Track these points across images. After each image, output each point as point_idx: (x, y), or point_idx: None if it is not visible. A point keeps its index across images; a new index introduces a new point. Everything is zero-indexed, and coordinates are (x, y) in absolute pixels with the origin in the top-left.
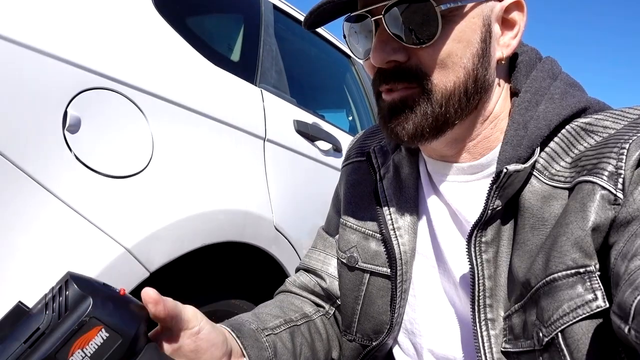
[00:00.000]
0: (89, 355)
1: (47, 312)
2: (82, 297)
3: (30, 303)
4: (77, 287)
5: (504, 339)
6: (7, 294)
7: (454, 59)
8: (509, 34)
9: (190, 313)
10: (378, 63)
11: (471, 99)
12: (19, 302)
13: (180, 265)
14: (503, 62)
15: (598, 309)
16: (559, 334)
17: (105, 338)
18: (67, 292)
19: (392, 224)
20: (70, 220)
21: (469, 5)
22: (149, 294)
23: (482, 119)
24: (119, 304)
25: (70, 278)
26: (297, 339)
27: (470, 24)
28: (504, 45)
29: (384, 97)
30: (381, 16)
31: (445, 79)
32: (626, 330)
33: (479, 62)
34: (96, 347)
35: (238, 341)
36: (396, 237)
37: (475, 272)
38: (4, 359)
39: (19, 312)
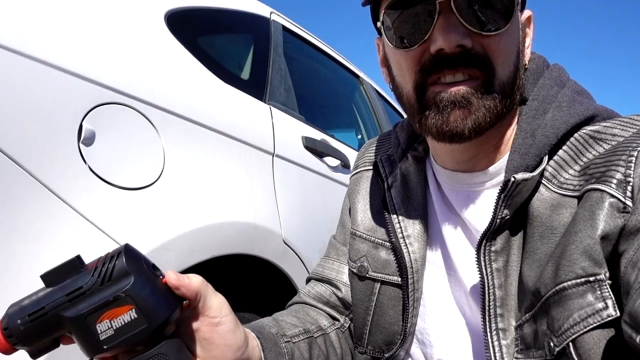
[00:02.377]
0: (114, 328)
1: (94, 275)
2: (126, 273)
3: None
4: (125, 261)
5: (516, 349)
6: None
7: (510, 53)
8: (526, 43)
9: (216, 302)
10: (447, 46)
11: (515, 96)
12: (78, 255)
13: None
14: (526, 67)
15: (609, 318)
16: (570, 343)
17: (132, 318)
18: (115, 263)
19: (402, 232)
20: (83, 230)
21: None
22: (170, 279)
23: (508, 121)
24: (157, 291)
25: (124, 251)
26: (314, 350)
27: (517, 23)
28: (525, 53)
29: (438, 89)
30: None
31: (504, 72)
32: (638, 340)
33: (520, 61)
34: (122, 323)
35: (258, 342)
36: (406, 245)
37: (485, 281)
38: (44, 304)
39: (74, 265)
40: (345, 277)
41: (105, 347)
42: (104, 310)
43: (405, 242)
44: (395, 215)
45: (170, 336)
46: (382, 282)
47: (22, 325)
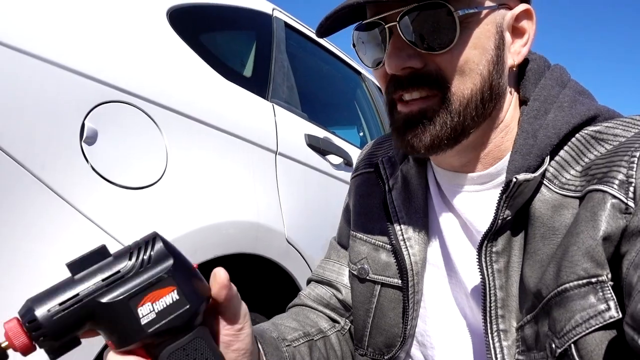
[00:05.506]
0: (156, 311)
1: (132, 260)
2: (165, 256)
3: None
4: (163, 245)
5: (517, 350)
6: (19, 301)
7: (471, 65)
8: (519, 42)
9: (243, 310)
10: (393, 70)
11: (486, 106)
12: (104, 244)
13: None
14: (514, 69)
15: (611, 320)
16: (572, 345)
17: (174, 300)
18: (154, 246)
19: (402, 235)
20: (85, 229)
21: (484, 11)
22: (221, 275)
23: (494, 127)
24: (192, 275)
25: (157, 236)
26: (314, 353)
27: (485, 31)
28: (514, 52)
29: (399, 108)
30: (396, 23)
31: (463, 85)
32: None
33: (493, 69)
34: (164, 305)
35: (259, 346)
36: (406, 247)
37: (487, 282)
38: (78, 291)
39: (102, 253)
40: (345, 279)
41: (149, 330)
42: (145, 293)
43: (406, 245)
44: (396, 217)
45: (200, 323)
46: (383, 285)
47: (55, 314)
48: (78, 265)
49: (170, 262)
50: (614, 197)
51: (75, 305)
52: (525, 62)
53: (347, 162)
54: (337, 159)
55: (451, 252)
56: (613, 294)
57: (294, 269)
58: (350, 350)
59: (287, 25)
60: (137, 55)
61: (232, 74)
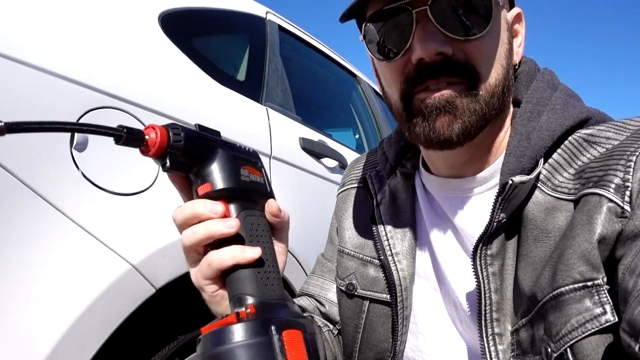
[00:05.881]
0: (249, 177)
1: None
2: (256, 155)
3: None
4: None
5: (512, 354)
6: (12, 309)
7: (496, 54)
8: (515, 42)
9: (286, 237)
10: (427, 54)
11: (504, 99)
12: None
13: (186, 282)
14: (516, 67)
15: (607, 324)
16: (568, 349)
17: (260, 181)
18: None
19: (390, 250)
20: (76, 237)
21: (500, 4)
22: (272, 205)
23: (498, 125)
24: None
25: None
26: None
27: (503, 23)
28: (515, 52)
29: (424, 96)
30: (426, 7)
31: (490, 75)
32: (637, 348)
33: (509, 61)
34: (254, 179)
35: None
36: (394, 262)
37: (482, 286)
38: (216, 138)
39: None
40: (329, 294)
41: (242, 181)
42: (246, 163)
43: (394, 260)
44: (384, 232)
45: None
46: (372, 300)
47: (197, 134)
48: (205, 129)
49: (261, 161)
50: (611, 200)
51: (205, 138)
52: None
53: (342, 165)
54: (332, 162)
55: (441, 262)
56: (609, 297)
57: (289, 273)
58: (341, 353)
59: (280, 28)
60: (129, 60)
61: (225, 78)
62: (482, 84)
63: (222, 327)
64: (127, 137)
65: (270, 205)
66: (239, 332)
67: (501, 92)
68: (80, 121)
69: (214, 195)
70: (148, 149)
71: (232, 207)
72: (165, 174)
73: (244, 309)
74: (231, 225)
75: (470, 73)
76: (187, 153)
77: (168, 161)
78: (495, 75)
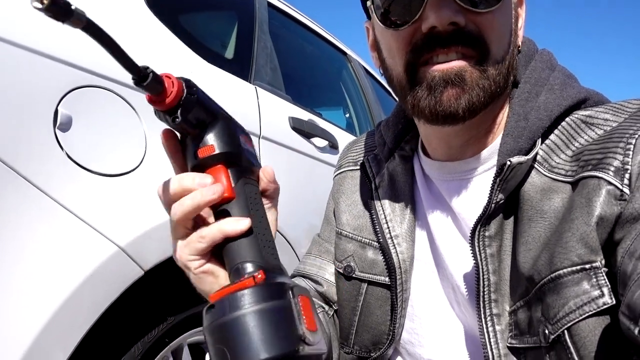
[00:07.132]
0: (247, 146)
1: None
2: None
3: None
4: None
5: (510, 334)
6: (3, 293)
7: (504, 30)
8: (519, 24)
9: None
10: (440, 22)
11: (509, 77)
12: None
13: (175, 264)
14: (519, 48)
15: (605, 306)
16: (566, 331)
17: (252, 151)
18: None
19: (390, 233)
20: (62, 219)
21: None
22: (269, 171)
23: (499, 104)
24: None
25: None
26: None
27: (510, 2)
28: (517, 34)
29: (432, 68)
30: None
31: (500, 50)
32: (636, 331)
33: (515, 39)
34: (249, 148)
35: None
36: (394, 245)
37: (480, 267)
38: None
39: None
40: (327, 274)
41: (242, 147)
42: (242, 132)
43: (394, 243)
44: (383, 215)
45: None
46: (370, 283)
47: (207, 98)
48: None
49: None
50: (610, 183)
51: (213, 108)
52: None
53: (333, 145)
54: (322, 142)
55: (439, 245)
56: (607, 280)
57: (279, 252)
58: (336, 335)
59: (269, 4)
60: (114, 37)
61: (213, 56)
62: (491, 60)
63: (239, 291)
64: (153, 77)
65: (266, 171)
66: (259, 295)
67: (506, 70)
68: (64, 100)
69: (215, 158)
70: (163, 98)
71: (231, 173)
72: (153, 153)
73: (255, 273)
74: (214, 190)
75: (481, 46)
76: (197, 110)
77: (179, 114)
78: (502, 52)
